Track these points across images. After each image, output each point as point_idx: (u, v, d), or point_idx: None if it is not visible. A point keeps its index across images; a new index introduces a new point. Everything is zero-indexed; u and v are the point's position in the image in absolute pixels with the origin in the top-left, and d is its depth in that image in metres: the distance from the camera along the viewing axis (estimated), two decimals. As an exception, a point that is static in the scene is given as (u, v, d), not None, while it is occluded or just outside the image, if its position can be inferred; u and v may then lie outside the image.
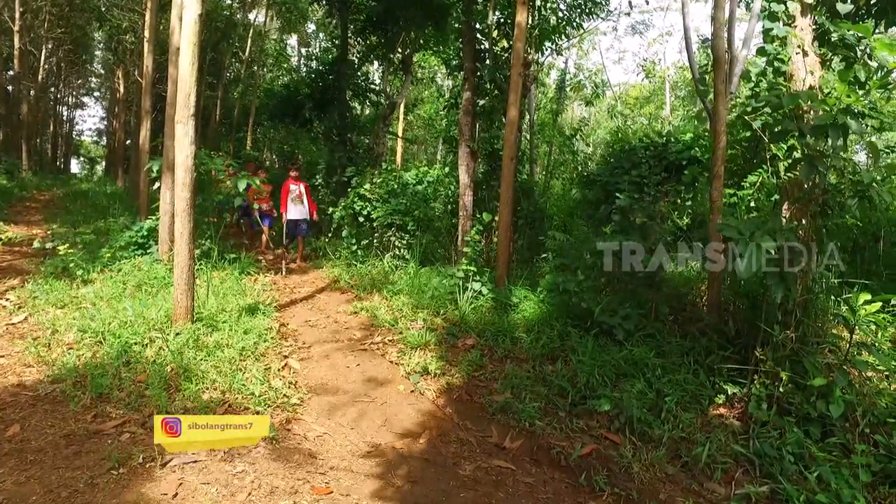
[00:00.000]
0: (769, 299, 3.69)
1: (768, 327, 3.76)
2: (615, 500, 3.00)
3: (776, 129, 3.79)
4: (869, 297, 3.49)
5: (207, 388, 3.56)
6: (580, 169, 10.13)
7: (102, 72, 31.38)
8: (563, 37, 9.30)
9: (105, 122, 39.42)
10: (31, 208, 12.83)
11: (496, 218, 6.64)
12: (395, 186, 8.39)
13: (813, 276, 3.73)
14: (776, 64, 4.40)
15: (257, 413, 3.32)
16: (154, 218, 7.06)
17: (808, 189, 3.55)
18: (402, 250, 8.03)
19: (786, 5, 4.41)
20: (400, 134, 17.79)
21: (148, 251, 6.93)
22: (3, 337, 4.29)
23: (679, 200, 6.31)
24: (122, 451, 2.71)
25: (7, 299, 5.31)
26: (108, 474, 2.54)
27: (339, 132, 11.46)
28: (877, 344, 3.94)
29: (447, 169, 9.01)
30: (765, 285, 3.58)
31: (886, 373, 3.68)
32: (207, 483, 2.59)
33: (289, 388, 3.82)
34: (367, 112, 13.48)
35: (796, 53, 4.27)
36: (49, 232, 9.47)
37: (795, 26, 4.40)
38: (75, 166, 46.48)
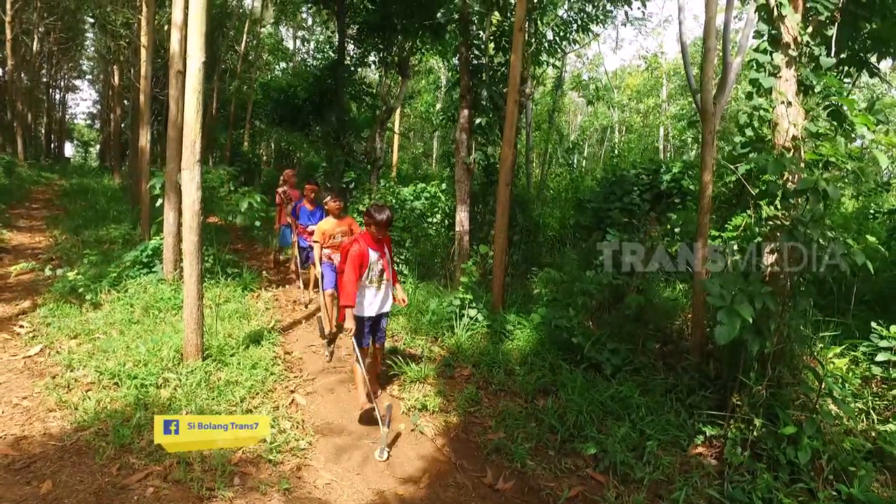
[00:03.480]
0: (747, 348, 3.96)
1: (745, 373, 4.03)
2: (599, 546, 3.29)
3: (761, 189, 4.01)
4: (838, 350, 3.77)
5: (221, 434, 3.80)
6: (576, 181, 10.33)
7: (95, 55, 31.08)
8: (559, 51, 9.41)
9: (98, 107, 39.20)
10: (31, 209, 12.93)
11: (492, 247, 6.84)
12: (393, 202, 8.58)
13: (788, 327, 3.98)
14: (761, 112, 4.61)
15: (270, 461, 3.58)
16: (158, 238, 7.23)
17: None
18: (399, 265, 8.26)
19: (771, 57, 4.60)
20: (397, 131, 17.86)
21: (153, 270, 7.12)
22: (22, 373, 4.52)
23: (669, 226, 6.54)
24: (148, 510, 2.96)
25: (21, 325, 5.53)
26: (138, 536, 2.79)
27: (336, 136, 11.59)
28: (846, 384, 4.24)
29: (444, 185, 9.19)
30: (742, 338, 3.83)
31: (850, 419, 3.96)
32: (229, 541, 2.85)
33: (296, 429, 4.07)
34: (364, 112, 13.56)
35: (781, 103, 4.48)
36: (52, 238, 9.64)
37: (780, 76, 4.61)
38: (69, 150, 46.35)
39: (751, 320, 3.35)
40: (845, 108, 4.43)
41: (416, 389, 4.87)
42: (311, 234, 6.36)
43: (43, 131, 36.38)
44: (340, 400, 4.71)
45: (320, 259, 5.74)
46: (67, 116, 42.96)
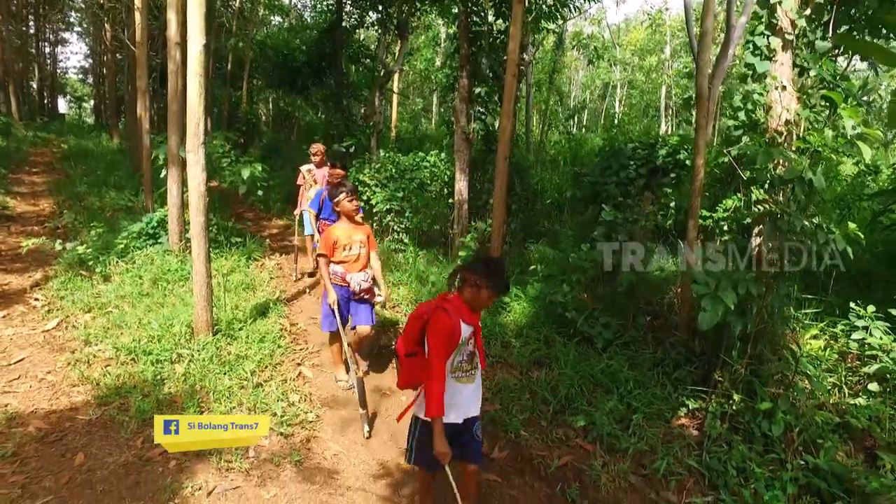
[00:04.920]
0: (730, 328, 4.19)
1: (727, 351, 4.28)
2: (584, 511, 3.60)
3: (749, 175, 4.14)
4: (816, 331, 3.99)
5: (235, 407, 4.07)
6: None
7: (82, 5, 30.22)
8: (560, 18, 9.28)
9: (90, 61, 38.31)
10: (31, 173, 12.96)
11: (490, 217, 6.99)
12: (394, 171, 8.66)
13: (771, 307, 4.19)
14: (755, 96, 4.69)
15: (282, 434, 3.85)
16: (163, 210, 7.36)
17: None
18: (400, 234, 8.43)
19: (768, 40, 4.64)
20: (396, 90, 17.65)
21: (158, 241, 7.29)
22: (43, 347, 4.75)
23: (664, 200, 6.68)
24: (173, 481, 3.24)
25: (36, 298, 5.74)
26: (166, 505, 3.08)
27: (335, 99, 11.54)
28: (821, 362, 4.50)
29: (443, 155, 9.25)
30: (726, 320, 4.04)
31: (822, 394, 4.23)
32: (247, 510, 3.15)
33: (304, 402, 4.34)
34: (363, 74, 13.40)
35: (775, 88, 4.55)
36: (55, 206, 9.75)
37: (776, 60, 4.65)
38: (63, 105, 45.68)
39: (733, 307, 3.55)
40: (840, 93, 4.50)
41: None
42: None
43: (35, 87, 35.74)
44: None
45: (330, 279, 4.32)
46: (59, 71, 42.07)
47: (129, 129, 13.97)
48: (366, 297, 4.44)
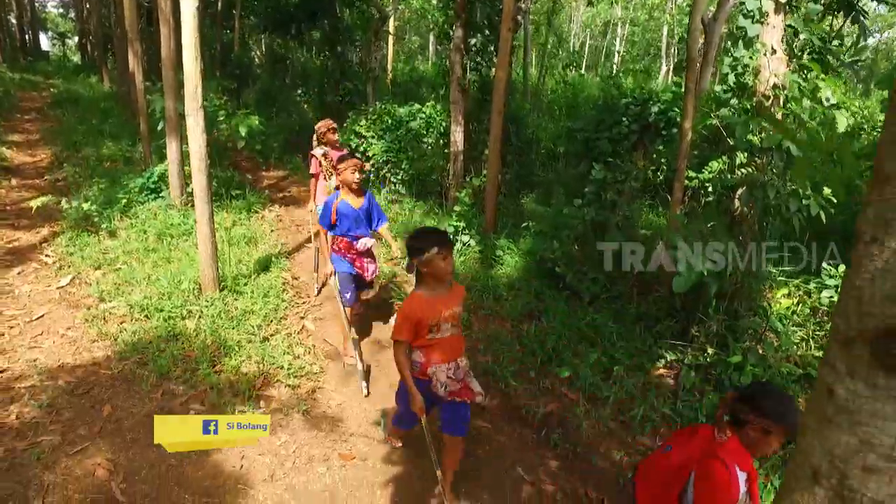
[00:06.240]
0: (707, 287, 4.46)
1: (704, 308, 4.57)
2: (565, 453, 3.97)
3: (733, 142, 4.28)
4: (787, 291, 4.26)
5: (244, 361, 4.38)
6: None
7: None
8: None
9: (71, -5, 36.65)
10: (23, 121, 12.85)
11: (485, 168, 7.12)
12: (390, 122, 8.69)
13: (746, 269, 4.45)
14: (745, 60, 4.75)
15: (289, 386, 4.18)
16: (163, 165, 7.45)
17: (749, 210, 4.15)
18: (397, 185, 8.57)
19: (760, 2, 4.65)
20: (391, 31, 17.17)
21: (160, 195, 7.43)
22: (60, 304, 5.01)
23: (655, 155, 6.80)
24: (193, 430, 3.58)
25: (47, 255, 5.96)
26: (189, 451, 3.42)
27: (330, 44, 11.34)
28: (791, 317, 4.81)
29: (439, 106, 9.23)
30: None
31: (789, 348, 4.56)
32: (262, 454, 3.50)
33: (309, 354, 4.66)
34: (358, 16, 13.04)
35: (764, 54, 4.61)
36: (53, 157, 9.78)
37: (768, 23, 4.68)
38: (45, 42, 44.06)
39: (706, 273, 3.80)
40: (828, 57, 4.57)
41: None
42: (363, 253, 4.39)
43: (14, 22, 34.38)
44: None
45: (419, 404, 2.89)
46: (37, 4, 40.33)
47: (120, 73, 13.69)
48: (459, 398, 2.94)
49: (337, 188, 4.44)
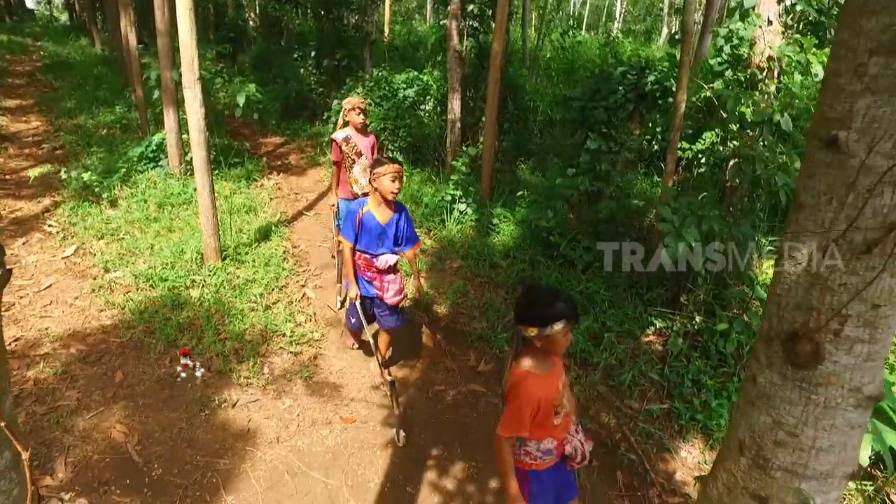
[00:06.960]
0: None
1: (693, 278, 4.71)
2: (557, 416, 4.18)
3: (725, 116, 4.34)
4: (773, 262, 4.37)
5: (248, 329, 4.54)
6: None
7: None
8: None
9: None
10: (15, 86, 12.69)
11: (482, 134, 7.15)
12: (387, 90, 8.64)
13: (735, 240, 4.56)
14: (740, 31, 4.75)
15: (292, 353, 4.35)
16: (161, 133, 7.45)
17: (738, 184, 4.23)
18: (395, 153, 8.59)
19: (760, -28, 4.62)
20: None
21: (159, 164, 7.46)
22: (66, 274, 5.14)
23: (651, 124, 6.83)
24: (202, 395, 3.77)
25: (50, 225, 6.05)
26: (198, 415, 3.61)
27: (325, 6, 11.13)
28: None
29: (436, 73, 9.14)
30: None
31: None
32: (268, 418, 3.70)
33: (310, 322, 4.82)
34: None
35: (759, 27, 4.61)
36: (49, 124, 9.74)
37: (766, -7, 4.67)
38: (30, 0, 42.68)
39: (692, 245, 3.91)
40: (829, 29, 4.58)
41: (411, 281, 5.55)
42: (383, 270, 3.76)
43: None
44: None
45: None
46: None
47: (111, 36, 13.43)
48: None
49: (365, 194, 3.88)
